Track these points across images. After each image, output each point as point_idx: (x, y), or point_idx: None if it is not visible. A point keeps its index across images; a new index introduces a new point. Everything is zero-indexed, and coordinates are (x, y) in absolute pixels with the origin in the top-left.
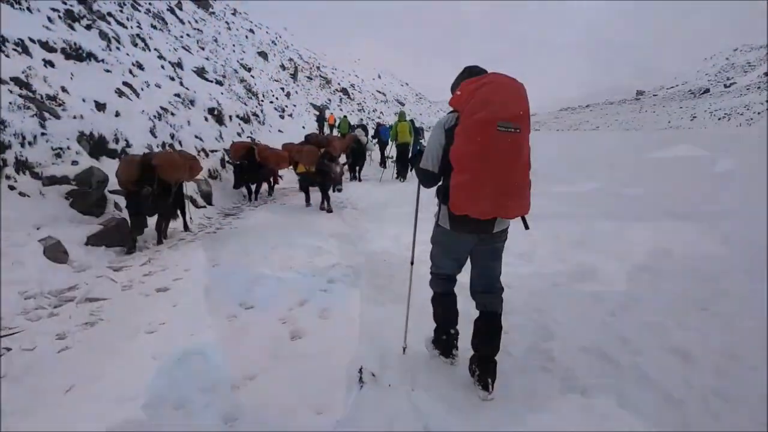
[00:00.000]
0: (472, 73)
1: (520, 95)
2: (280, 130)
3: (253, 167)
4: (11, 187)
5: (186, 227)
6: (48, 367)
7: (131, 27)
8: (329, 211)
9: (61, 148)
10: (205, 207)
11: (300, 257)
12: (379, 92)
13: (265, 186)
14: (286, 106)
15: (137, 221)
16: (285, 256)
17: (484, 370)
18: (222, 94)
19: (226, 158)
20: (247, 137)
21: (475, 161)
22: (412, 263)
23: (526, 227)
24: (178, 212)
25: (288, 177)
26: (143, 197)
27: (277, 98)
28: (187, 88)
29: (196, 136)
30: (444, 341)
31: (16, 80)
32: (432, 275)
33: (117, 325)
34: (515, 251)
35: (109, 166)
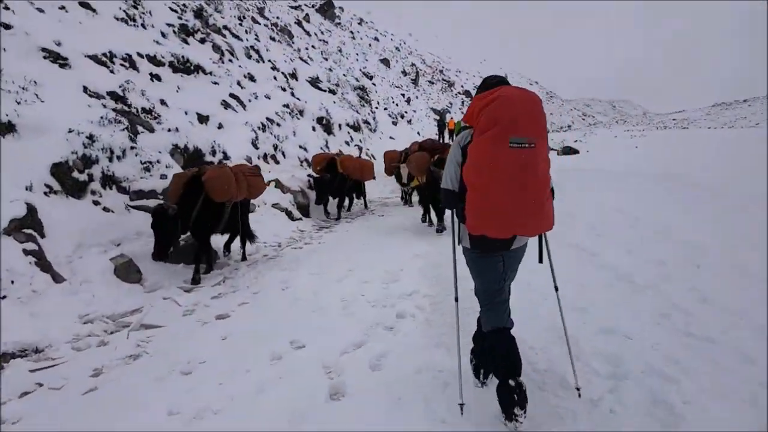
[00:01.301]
0: (486, 85)
1: (533, 109)
2: (391, 137)
3: (334, 180)
4: (96, 203)
5: (243, 256)
6: (60, 413)
7: (247, 39)
8: (440, 230)
9: (150, 162)
10: (300, 219)
11: (376, 282)
12: None
13: (353, 199)
14: (405, 112)
15: (159, 246)
16: (360, 280)
17: (507, 395)
18: (334, 102)
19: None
20: (355, 145)
21: (487, 179)
22: (456, 300)
23: (540, 260)
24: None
25: (391, 187)
26: (168, 217)
27: (397, 104)
28: (297, 98)
29: (301, 146)
30: (507, 396)
31: (112, 94)
32: (480, 308)
33: (157, 361)
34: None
35: None
